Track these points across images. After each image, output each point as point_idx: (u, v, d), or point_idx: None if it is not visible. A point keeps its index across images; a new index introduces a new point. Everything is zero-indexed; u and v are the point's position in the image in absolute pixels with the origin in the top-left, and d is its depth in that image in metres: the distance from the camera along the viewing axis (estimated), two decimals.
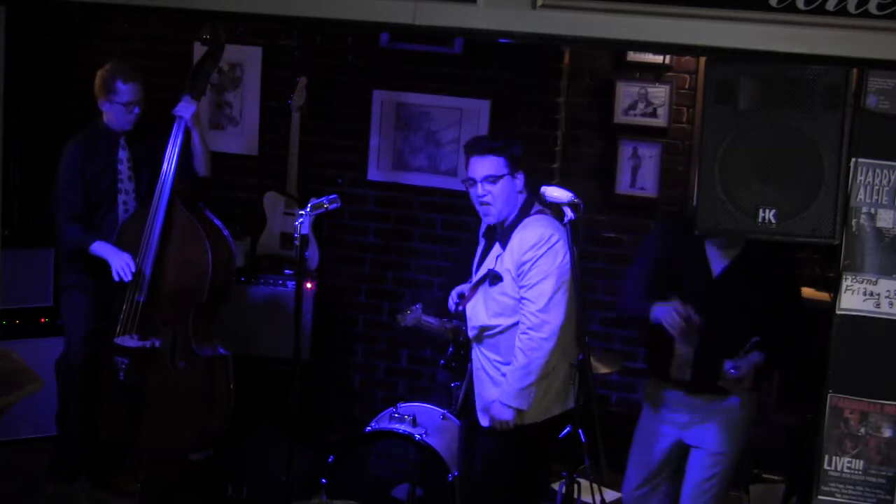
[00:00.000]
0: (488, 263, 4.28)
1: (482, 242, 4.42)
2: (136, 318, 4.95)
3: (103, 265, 4.96)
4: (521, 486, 4.42)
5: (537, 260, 4.12)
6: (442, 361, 4.62)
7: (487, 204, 4.22)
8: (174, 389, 4.96)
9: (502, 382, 4.21)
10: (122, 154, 5.14)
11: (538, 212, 4.28)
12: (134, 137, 5.15)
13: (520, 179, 4.23)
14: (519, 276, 4.15)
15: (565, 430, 4.60)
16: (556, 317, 4.12)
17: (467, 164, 4.31)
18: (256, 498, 5.12)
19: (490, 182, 4.19)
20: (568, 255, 4.07)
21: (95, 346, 5.08)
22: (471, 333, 4.34)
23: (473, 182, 4.24)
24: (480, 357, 4.34)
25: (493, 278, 4.22)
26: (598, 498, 4.66)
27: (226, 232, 5.11)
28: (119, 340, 4.91)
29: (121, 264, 4.90)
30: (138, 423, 4.94)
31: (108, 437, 5.09)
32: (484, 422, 4.31)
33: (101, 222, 5.10)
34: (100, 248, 4.98)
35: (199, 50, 6.00)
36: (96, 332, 5.10)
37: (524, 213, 4.24)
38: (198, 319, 5.02)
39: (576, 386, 4.05)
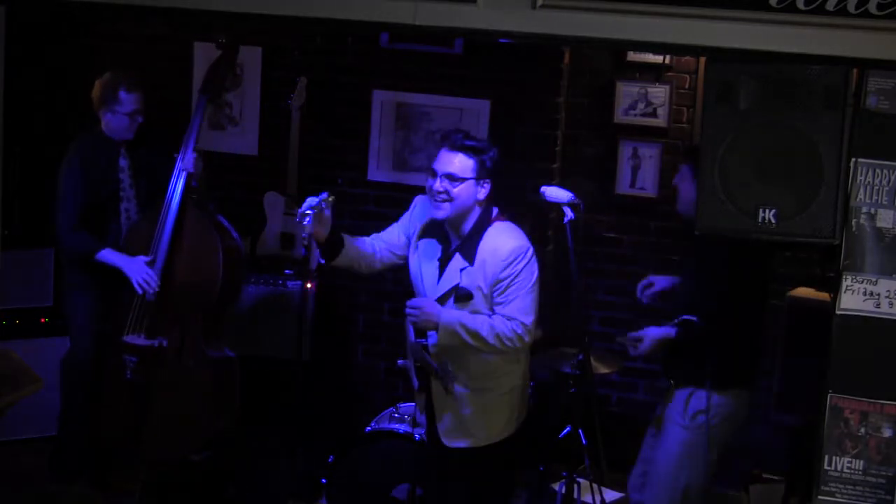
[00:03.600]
0: (450, 277, 4.01)
1: (438, 249, 4.06)
2: (144, 317, 4.94)
3: (108, 267, 4.95)
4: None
5: (517, 277, 3.93)
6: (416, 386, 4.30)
7: (444, 200, 3.93)
8: (181, 389, 4.95)
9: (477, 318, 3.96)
10: (123, 163, 5.14)
11: (497, 218, 4.04)
12: (135, 146, 5.14)
13: (485, 189, 3.97)
14: (495, 292, 3.95)
15: (565, 430, 4.61)
16: (536, 333, 4.03)
17: (437, 154, 4.02)
18: (256, 498, 5.12)
19: (450, 181, 3.92)
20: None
21: (101, 345, 5.08)
22: (433, 350, 4.04)
23: (434, 174, 3.95)
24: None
25: (463, 297, 3.97)
26: (597, 498, 4.67)
27: (234, 233, 5.11)
28: (128, 339, 4.90)
29: (143, 277, 4.89)
30: (143, 423, 4.94)
31: (111, 437, 5.08)
32: (447, 441, 4.14)
33: (105, 230, 5.09)
34: (110, 255, 4.96)
35: (199, 50, 6.02)
36: (101, 332, 5.09)
37: (484, 221, 4.00)
38: (207, 320, 5.02)
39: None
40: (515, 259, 3.93)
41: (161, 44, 6.16)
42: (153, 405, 4.94)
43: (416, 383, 4.23)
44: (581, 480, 4.76)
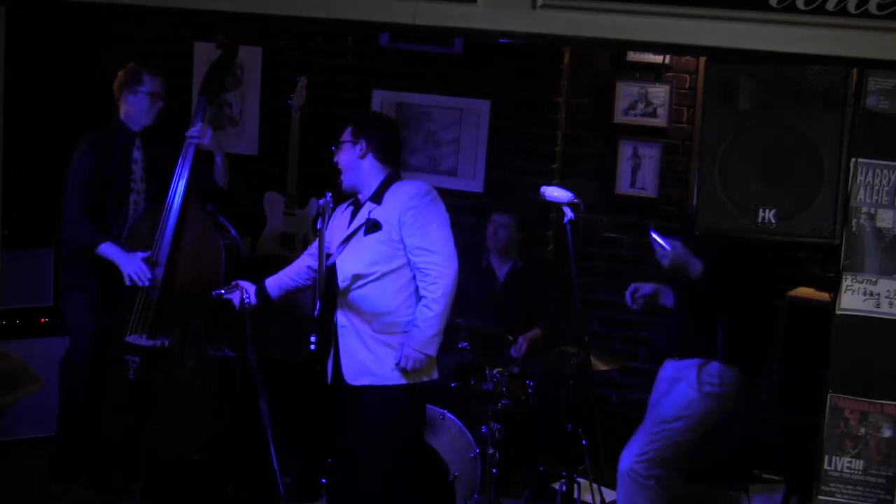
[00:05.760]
0: (360, 218, 4.31)
1: (349, 210, 4.43)
2: (147, 317, 4.93)
3: (107, 265, 4.95)
4: (404, 442, 4.41)
5: (423, 209, 4.23)
6: (313, 338, 4.26)
7: (338, 172, 4.37)
8: (183, 389, 4.95)
9: (413, 331, 4.23)
10: (137, 154, 5.14)
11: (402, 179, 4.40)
12: (149, 139, 5.15)
13: (360, 146, 4.32)
14: (402, 224, 4.21)
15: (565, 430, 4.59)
16: (455, 263, 4.23)
17: None
18: (257, 498, 5.12)
19: (338, 149, 4.37)
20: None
21: (100, 345, 5.07)
22: (341, 285, 4.30)
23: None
24: (347, 313, 4.32)
25: (372, 226, 4.25)
26: (597, 498, 4.67)
27: (234, 231, 5.11)
28: (131, 339, 4.89)
29: (135, 270, 4.89)
30: (143, 423, 4.93)
31: (111, 438, 5.08)
32: (353, 380, 4.31)
33: (112, 221, 5.08)
34: (109, 250, 4.95)
35: (199, 50, 6.02)
36: (100, 332, 5.08)
37: (391, 179, 4.34)
38: (208, 320, 5.01)
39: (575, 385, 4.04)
40: (419, 192, 4.26)
41: (161, 44, 6.17)
42: (153, 405, 4.93)
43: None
44: (581, 480, 4.76)
